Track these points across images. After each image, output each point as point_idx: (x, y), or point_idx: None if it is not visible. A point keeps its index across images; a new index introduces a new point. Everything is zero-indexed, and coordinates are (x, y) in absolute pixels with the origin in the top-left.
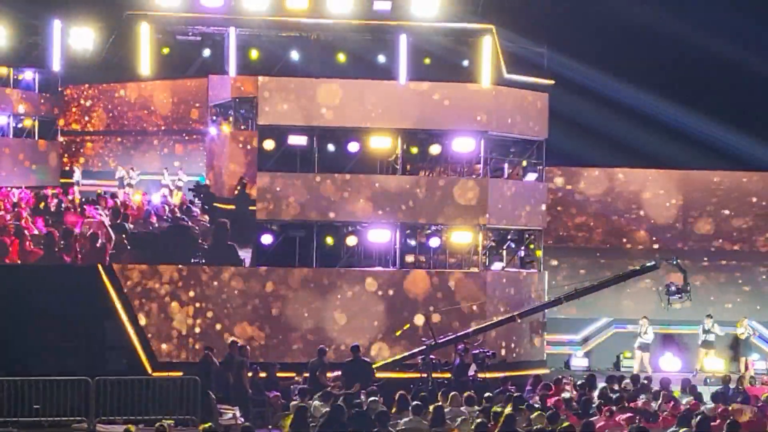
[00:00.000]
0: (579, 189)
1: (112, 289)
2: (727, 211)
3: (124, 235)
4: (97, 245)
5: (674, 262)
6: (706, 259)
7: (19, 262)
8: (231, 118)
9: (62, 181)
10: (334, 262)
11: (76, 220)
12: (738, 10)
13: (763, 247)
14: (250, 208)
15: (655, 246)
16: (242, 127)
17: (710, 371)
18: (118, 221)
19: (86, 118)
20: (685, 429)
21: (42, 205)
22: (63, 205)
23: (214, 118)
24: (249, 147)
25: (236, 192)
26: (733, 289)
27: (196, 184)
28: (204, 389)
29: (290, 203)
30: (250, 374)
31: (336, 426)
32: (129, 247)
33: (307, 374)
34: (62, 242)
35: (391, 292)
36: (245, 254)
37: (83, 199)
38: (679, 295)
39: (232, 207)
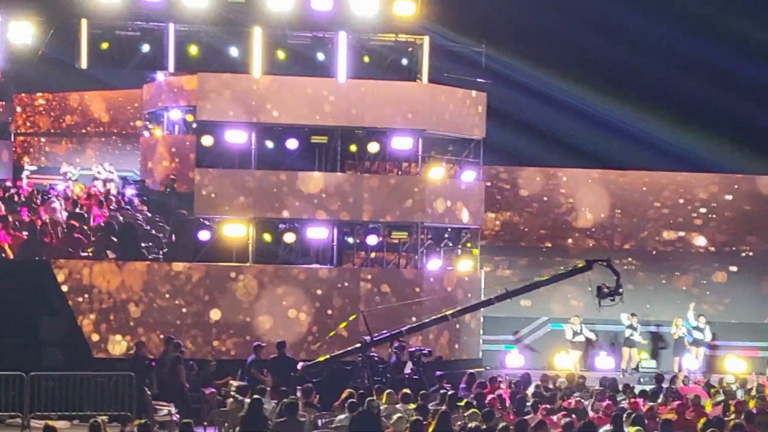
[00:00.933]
0: (517, 188)
1: (50, 285)
2: (663, 211)
3: (85, 226)
4: (75, 234)
5: (606, 264)
6: (636, 259)
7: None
8: (161, 124)
9: (15, 175)
10: (271, 259)
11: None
12: (677, 9)
13: (699, 247)
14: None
15: (592, 246)
16: (167, 132)
17: (643, 370)
18: (77, 210)
19: (35, 121)
20: (634, 427)
21: (7, 195)
22: (23, 197)
23: (147, 123)
24: (175, 149)
25: (166, 188)
26: (669, 289)
27: (125, 179)
28: (140, 385)
29: (228, 199)
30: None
31: (256, 418)
32: (92, 237)
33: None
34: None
35: (328, 290)
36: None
37: (39, 192)
38: (611, 298)
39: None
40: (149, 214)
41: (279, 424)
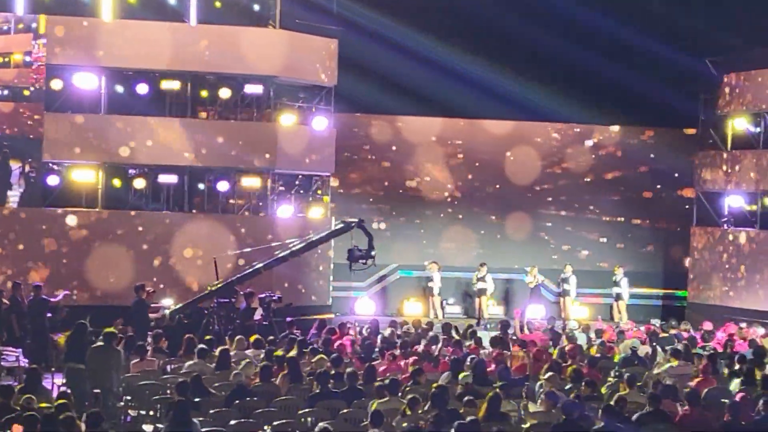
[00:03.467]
0: (368, 136)
1: None
2: (512, 160)
3: None
4: None
5: (358, 225)
6: (489, 207)
7: None
8: None
9: None
10: (121, 204)
11: None
12: None
13: (547, 195)
14: None
15: (443, 194)
16: None
17: (489, 317)
18: None
19: None
20: (463, 373)
21: None
22: None
23: None
24: None
25: None
26: (524, 238)
27: None
28: None
29: (77, 144)
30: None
31: (78, 340)
32: None
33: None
34: None
35: (179, 236)
36: None
37: None
38: (363, 261)
39: None
40: None
41: (95, 348)
